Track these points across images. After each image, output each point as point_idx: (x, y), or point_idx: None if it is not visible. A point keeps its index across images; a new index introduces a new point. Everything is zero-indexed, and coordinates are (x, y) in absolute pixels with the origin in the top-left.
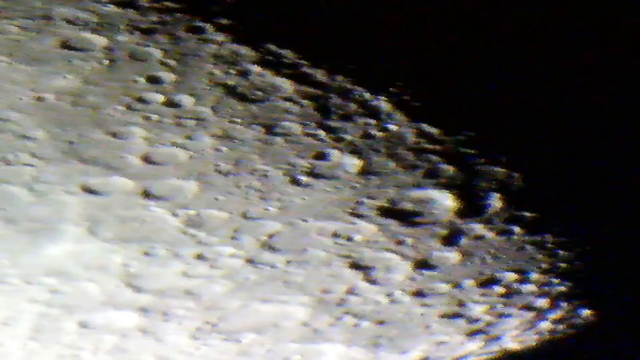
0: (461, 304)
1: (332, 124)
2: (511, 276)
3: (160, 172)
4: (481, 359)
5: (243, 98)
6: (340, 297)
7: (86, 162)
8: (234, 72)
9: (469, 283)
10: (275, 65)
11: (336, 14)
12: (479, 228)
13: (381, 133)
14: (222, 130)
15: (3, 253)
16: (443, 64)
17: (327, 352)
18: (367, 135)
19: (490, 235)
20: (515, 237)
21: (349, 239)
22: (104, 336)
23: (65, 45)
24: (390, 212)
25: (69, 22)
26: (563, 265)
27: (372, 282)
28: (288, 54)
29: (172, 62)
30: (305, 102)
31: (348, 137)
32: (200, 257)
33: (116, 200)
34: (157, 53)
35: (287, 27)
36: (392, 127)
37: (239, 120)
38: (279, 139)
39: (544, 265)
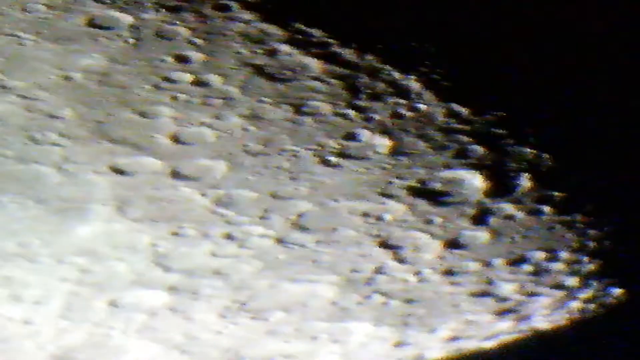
0: (490, 282)
1: (362, 103)
2: (541, 255)
3: (188, 152)
4: (511, 339)
5: (271, 77)
6: (369, 276)
7: (114, 141)
8: (262, 51)
9: (498, 262)
10: (303, 44)
11: None
12: (508, 208)
13: (411, 113)
14: (250, 110)
15: (34, 233)
16: (473, 43)
17: (355, 330)
18: (396, 115)
19: (519, 214)
20: (544, 216)
21: (379, 218)
22: (134, 315)
23: (92, 23)
24: (420, 192)
25: None
26: (593, 244)
27: (402, 261)
28: (316, 33)
29: (199, 41)
30: (334, 81)
31: (377, 117)
32: (229, 236)
33: (145, 180)
34: (184, 32)
35: (316, 6)
36: (422, 107)
37: (267, 100)
38: (308, 119)
39: (573, 244)
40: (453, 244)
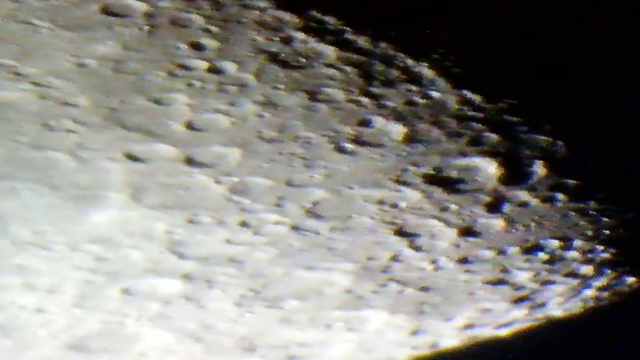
0: (505, 270)
1: (376, 90)
2: (555, 243)
3: (203, 139)
4: (526, 326)
5: (286, 65)
6: (385, 264)
7: (129, 128)
8: (277, 38)
9: (513, 250)
10: (318, 31)
11: None
12: (522, 195)
13: (424, 100)
14: (265, 97)
15: (49, 220)
16: (486, 30)
17: (371, 318)
18: (410, 102)
19: (534, 202)
20: (559, 204)
21: (394, 206)
22: (148, 303)
23: (107, 11)
24: (435, 179)
25: None
26: (607, 232)
27: (417, 249)
28: (331, 21)
29: (214, 29)
30: (348, 68)
31: (391, 104)
32: (244, 224)
33: (159, 167)
34: (199, 19)
35: None
36: (435, 94)
37: (281, 87)
38: (322, 106)
39: (587, 232)
40: (468, 232)
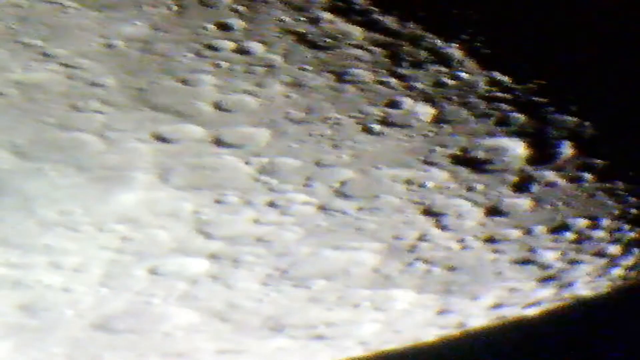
0: (532, 250)
1: (404, 71)
2: (582, 222)
3: (231, 120)
4: (554, 306)
5: (313, 45)
6: (412, 243)
7: (157, 109)
8: (304, 18)
9: (540, 229)
10: (345, 11)
11: None
12: (550, 175)
13: (453, 81)
14: (292, 77)
15: (76, 201)
16: (515, 11)
17: (398, 298)
18: (438, 84)
19: (561, 182)
20: (586, 184)
21: (422, 185)
22: (175, 283)
23: None
24: (462, 159)
25: None
26: (634, 211)
27: (444, 228)
28: (358, 0)
29: (241, 9)
30: (375, 49)
31: (420, 85)
32: (271, 204)
33: (187, 148)
34: None
35: None
36: (464, 75)
37: (309, 68)
38: (349, 87)
39: (615, 212)
40: (495, 212)
